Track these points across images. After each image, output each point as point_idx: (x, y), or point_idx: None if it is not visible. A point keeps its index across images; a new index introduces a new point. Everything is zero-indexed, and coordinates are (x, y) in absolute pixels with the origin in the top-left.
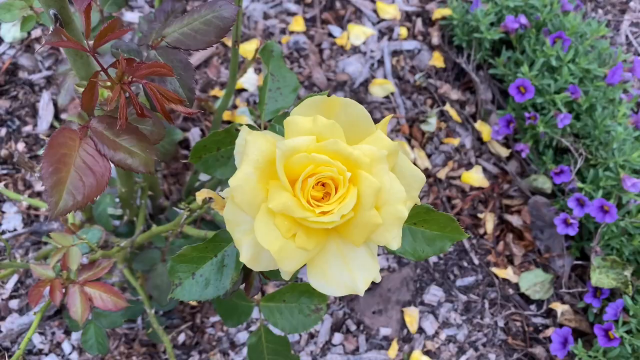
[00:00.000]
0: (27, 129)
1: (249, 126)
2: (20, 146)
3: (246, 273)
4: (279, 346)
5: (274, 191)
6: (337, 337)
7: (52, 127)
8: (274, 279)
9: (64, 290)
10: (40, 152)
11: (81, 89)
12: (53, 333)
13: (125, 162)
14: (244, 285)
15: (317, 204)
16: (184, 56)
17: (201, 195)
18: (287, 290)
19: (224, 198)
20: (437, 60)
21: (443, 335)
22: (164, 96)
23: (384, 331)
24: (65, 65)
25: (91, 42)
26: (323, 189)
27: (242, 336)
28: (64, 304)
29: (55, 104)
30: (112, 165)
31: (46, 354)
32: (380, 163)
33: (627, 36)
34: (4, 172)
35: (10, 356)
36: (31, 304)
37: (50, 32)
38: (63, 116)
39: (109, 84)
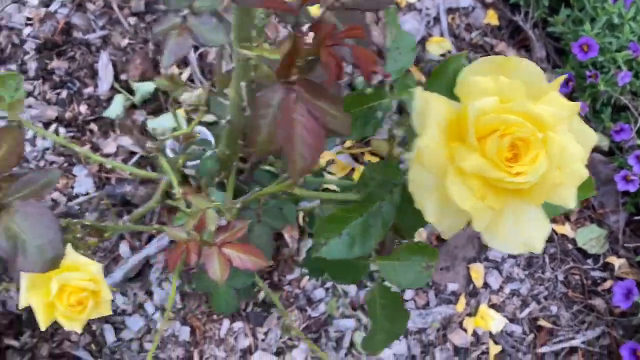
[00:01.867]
0: (88, 90)
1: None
2: (83, 108)
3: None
4: (391, 302)
5: (462, 153)
6: (409, 293)
7: (112, 88)
8: (408, 238)
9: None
10: (104, 114)
11: (245, 51)
12: (135, 294)
13: (329, 125)
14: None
15: (509, 164)
16: (361, 17)
17: (326, 158)
18: (401, 249)
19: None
20: (491, 17)
21: (507, 290)
22: (366, 58)
23: (452, 286)
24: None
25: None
26: (512, 150)
27: (319, 293)
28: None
29: (114, 65)
30: (323, 131)
31: (130, 315)
32: (562, 123)
33: None
34: (70, 134)
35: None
36: (169, 268)
37: None
38: (123, 77)
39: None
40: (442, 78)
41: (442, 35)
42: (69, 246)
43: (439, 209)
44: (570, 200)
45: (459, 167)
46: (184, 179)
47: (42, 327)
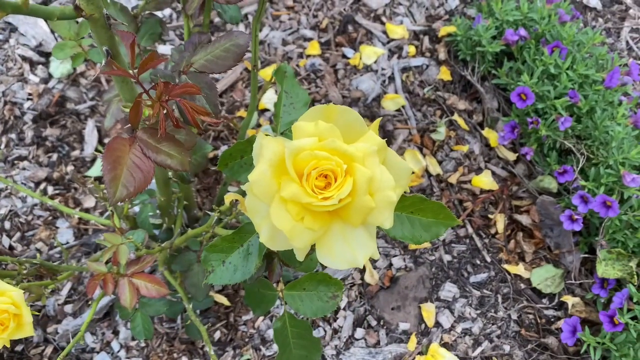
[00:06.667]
0: (75, 153)
1: (266, 134)
2: (70, 169)
3: (268, 261)
4: (302, 330)
5: (285, 183)
6: (359, 332)
7: (96, 151)
8: (292, 266)
9: (115, 283)
10: (87, 173)
11: (127, 109)
12: (103, 333)
13: (165, 162)
14: (267, 272)
15: (320, 191)
16: (209, 78)
17: (229, 198)
18: (306, 280)
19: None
20: (444, 74)
21: (459, 329)
22: (194, 110)
23: (403, 326)
24: (109, 94)
25: (135, 70)
26: (325, 179)
27: (271, 333)
28: (114, 301)
29: (99, 130)
30: (154, 167)
31: (97, 352)
32: (372, 157)
33: (627, 42)
34: (57, 192)
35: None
36: (88, 294)
37: (103, 64)
38: (106, 140)
39: (149, 103)
40: None
41: (396, 92)
42: None
43: (270, 231)
44: (385, 222)
45: (281, 196)
46: (135, 225)
47: None
